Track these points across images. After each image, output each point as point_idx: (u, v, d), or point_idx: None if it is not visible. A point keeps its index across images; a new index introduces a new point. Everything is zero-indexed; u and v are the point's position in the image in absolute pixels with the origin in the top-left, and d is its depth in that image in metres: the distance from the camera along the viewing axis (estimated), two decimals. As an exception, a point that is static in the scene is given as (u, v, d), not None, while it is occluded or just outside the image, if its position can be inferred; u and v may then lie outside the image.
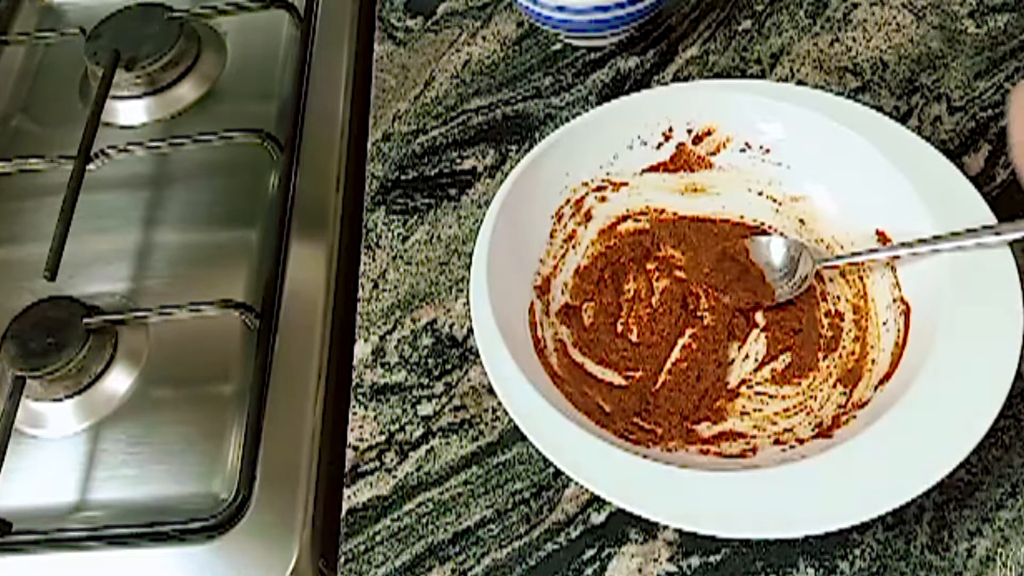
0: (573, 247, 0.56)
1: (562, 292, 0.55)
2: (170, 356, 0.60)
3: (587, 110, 0.58)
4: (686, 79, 0.64)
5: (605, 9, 0.62)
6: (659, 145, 0.58)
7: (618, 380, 0.52)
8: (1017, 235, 0.47)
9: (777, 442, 0.48)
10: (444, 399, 0.54)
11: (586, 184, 0.57)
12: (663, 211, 0.58)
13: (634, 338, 0.54)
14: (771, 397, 0.51)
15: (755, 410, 0.50)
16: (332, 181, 0.65)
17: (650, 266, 0.56)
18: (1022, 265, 0.47)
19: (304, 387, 0.56)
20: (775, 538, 0.46)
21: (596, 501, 0.49)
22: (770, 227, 0.56)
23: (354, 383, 0.55)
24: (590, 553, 0.47)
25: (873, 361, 0.50)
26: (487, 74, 0.68)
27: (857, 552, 0.46)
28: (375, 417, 0.54)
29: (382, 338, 0.57)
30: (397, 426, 0.53)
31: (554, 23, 0.64)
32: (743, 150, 0.57)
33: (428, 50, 0.70)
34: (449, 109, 0.66)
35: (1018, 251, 0.48)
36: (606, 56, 0.67)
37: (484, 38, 0.70)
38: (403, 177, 0.63)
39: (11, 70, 0.77)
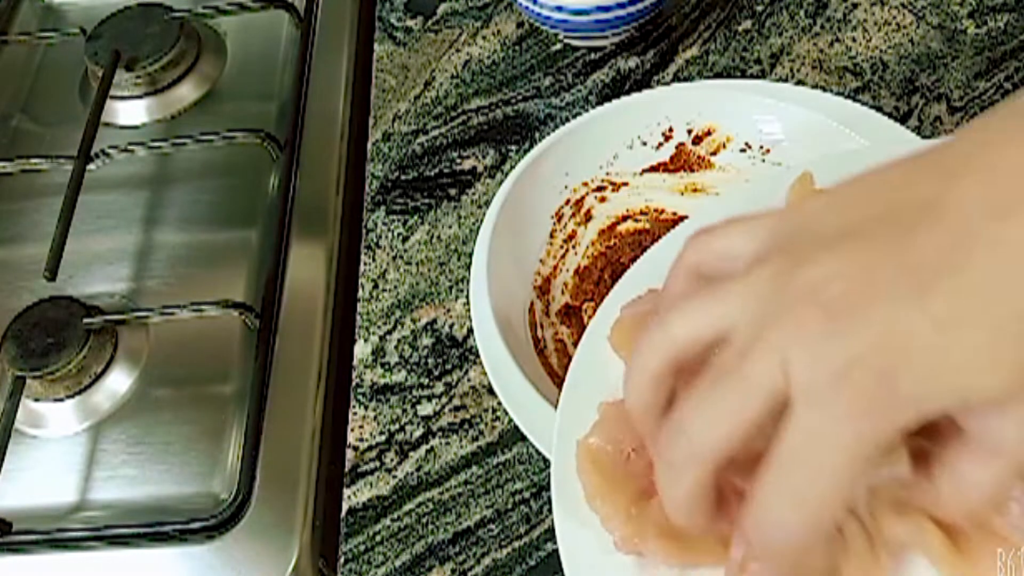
0: (573, 247, 0.56)
1: (562, 292, 0.55)
2: (170, 356, 0.60)
3: (587, 110, 0.58)
4: (686, 79, 0.64)
5: (606, 9, 0.62)
6: (659, 145, 0.58)
7: (618, 380, 0.52)
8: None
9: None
10: (444, 399, 0.54)
11: (586, 184, 0.57)
12: (663, 211, 0.58)
13: (634, 338, 0.54)
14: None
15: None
16: (332, 181, 0.65)
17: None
18: None
19: (304, 387, 0.56)
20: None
21: (596, 501, 0.49)
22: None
23: (354, 383, 0.55)
24: (590, 553, 0.47)
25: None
26: (487, 74, 0.68)
27: (857, 552, 0.46)
28: (375, 417, 0.54)
29: (382, 338, 0.57)
30: (397, 426, 0.53)
31: (554, 23, 0.64)
32: (743, 150, 0.57)
33: (428, 50, 0.70)
34: (449, 109, 0.66)
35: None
36: (606, 56, 0.67)
37: (484, 38, 0.70)
38: (403, 177, 0.63)
39: (11, 70, 0.77)
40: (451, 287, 0.58)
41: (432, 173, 0.63)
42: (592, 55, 0.67)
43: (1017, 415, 0.27)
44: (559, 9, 0.62)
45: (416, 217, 0.61)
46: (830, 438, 0.27)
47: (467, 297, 0.55)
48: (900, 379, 0.27)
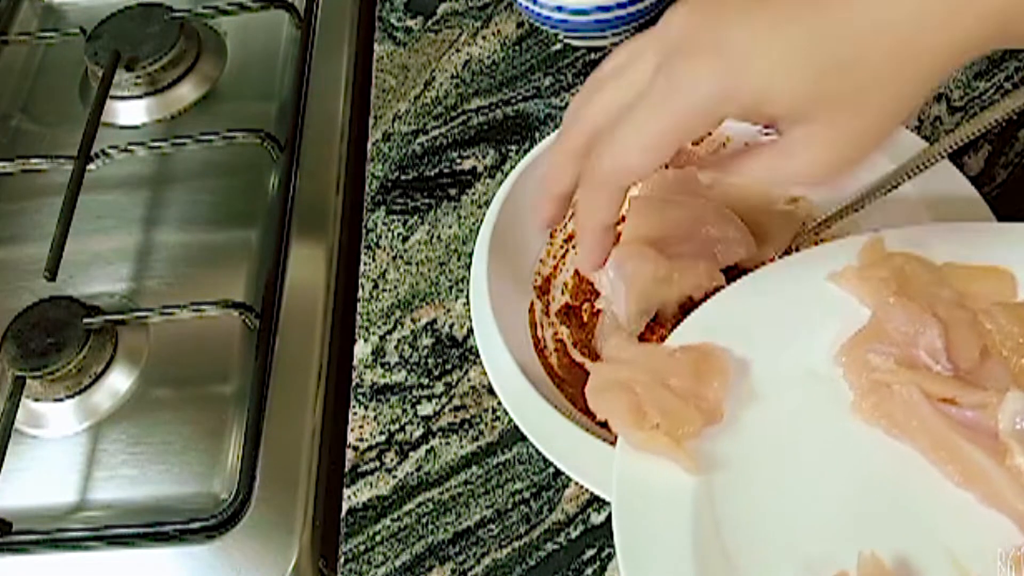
0: (573, 247, 0.56)
1: (562, 292, 0.55)
2: (170, 356, 0.60)
3: (587, 110, 0.58)
4: (686, 79, 0.64)
5: (606, 9, 0.62)
6: (659, 145, 0.58)
7: (618, 380, 0.52)
8: (954, 145, 0.48)
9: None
10: (444, 399, 0.54)
11: (586, 184, 0.57)
12: (663, 211, 0.58)
13: (634, 338, 0.54)
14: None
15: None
16: (332, 181, 0.65)
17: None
18: None
19: (304, 387, 0.56)
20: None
21: (596, 501, 0.49)
22: None
23: (354, 383, 0.55)
24: (590, 553, 0.47)
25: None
26: (487, 74, 0.68)
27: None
28: (375, 417, 0.54)
29: (382, 338, 0.57)
30: (397, 426, 0.53)
31: (554, 23, 0.64)
32: (743, 150, 0.57)
33: (428, 50, 0.70)
34: (449, 109, 0.66)
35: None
36: (606, 56, 0.67)
37: (484, 38, 0.70)
38: (403, 177, 0.63)
39: (11, 70, 0.77)
40: (451, 287, 0.58)
41: (432, 173, 0.63)
42: (592, 55, 0.67)
43: (802, 131, 0.35)
44: (559, 9, 0.62)
45: (416, 217, 0.61)
46: (672, 99, 0.36)
47: (467, 297, 0.55)
48: (725, 73, 0.35)
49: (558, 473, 0.50)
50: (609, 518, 0.48)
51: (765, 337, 0.44)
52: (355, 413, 0.54)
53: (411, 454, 0.52)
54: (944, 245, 0.45)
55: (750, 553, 0.38)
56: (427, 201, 0.62)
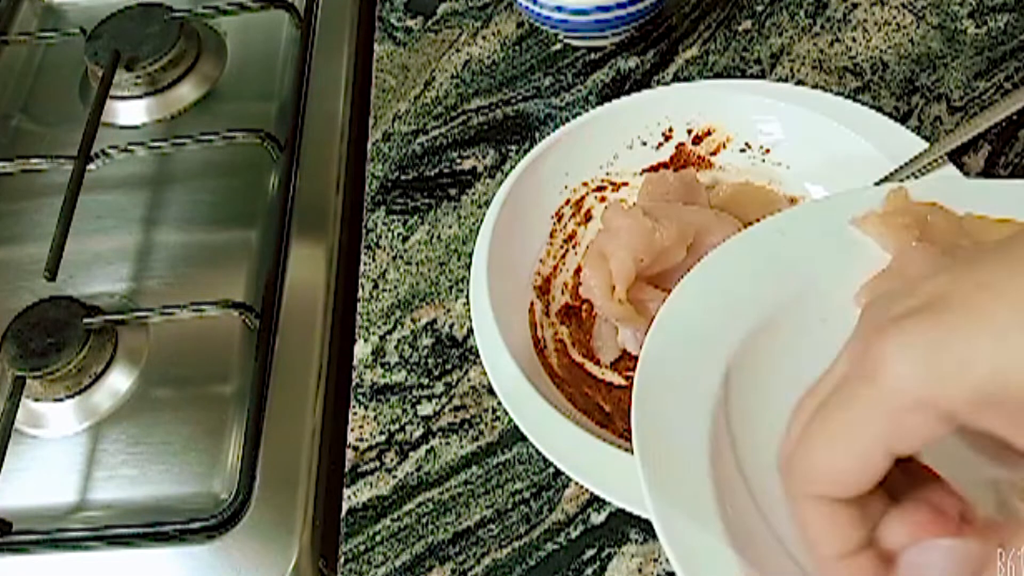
0: (573, 247, 0.56)
1: (562, 292, 0.55)
2: (170, 356, 0.60)
3: (587, 110, 0.58)
4: (686, 79, 0.64)
5: (606, 9, 0.62)
6: (659, 145, 0.58)
7: (618, 380, 0.52)
8: (954, 144, 0.50)
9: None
10: (444, 399, 0.54)
11: (586, 184, 0.57)
12: (663, 211, 0.58)
13: (634, 338, 0.54)
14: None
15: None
16: (332, 181, 0.65)
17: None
18: None
19: (304, 387, 0.56)
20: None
21: (596, 501, 0.49)
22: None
23: (354, 383, 0.55)
24: (590, 553, 0.47)
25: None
26: (487, 74, 0.68)
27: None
28: (375, 417, 0.54)
29: (382, 338, 0.57)
30: (397, 426, 0.53)
31: (554, 23, 0.64)
32: (743, 150, 0.57)
33: (428, 50, 0.70)
34: (449, 109, 0.66)
35: None
36: (606, 56, 0.67)
37: (484, 38, 0.70)
38: (403, 177, 0.63)
39: (11, 70, 0.77)
40: (451, 287, 0.58)
41: (432, 173, 0.63)
42: (592, 55, 0.67)
43: None
44: (559, 9, 0.62)
45: (416, 217, 0.61)
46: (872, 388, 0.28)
47: (467, 297, 0.55)
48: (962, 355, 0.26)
49: (558, 473, 0.50)
50: (610, 518, 0.48)
51: (786, 275, 0.45)
52: (355, 413, 0.54)
53: (411, 454, 0.52)
54: (966, 199, 0.46)
55: (763, 470, 0.39)
56: (427, 201, 0.62)
